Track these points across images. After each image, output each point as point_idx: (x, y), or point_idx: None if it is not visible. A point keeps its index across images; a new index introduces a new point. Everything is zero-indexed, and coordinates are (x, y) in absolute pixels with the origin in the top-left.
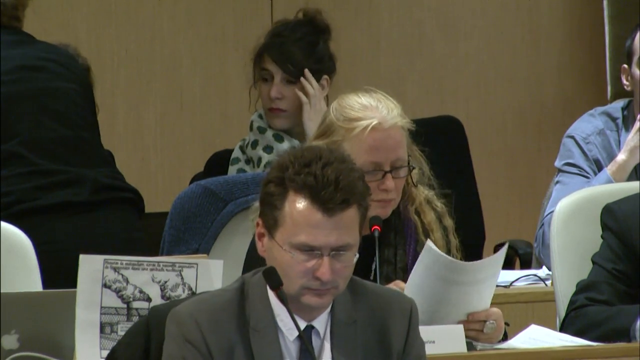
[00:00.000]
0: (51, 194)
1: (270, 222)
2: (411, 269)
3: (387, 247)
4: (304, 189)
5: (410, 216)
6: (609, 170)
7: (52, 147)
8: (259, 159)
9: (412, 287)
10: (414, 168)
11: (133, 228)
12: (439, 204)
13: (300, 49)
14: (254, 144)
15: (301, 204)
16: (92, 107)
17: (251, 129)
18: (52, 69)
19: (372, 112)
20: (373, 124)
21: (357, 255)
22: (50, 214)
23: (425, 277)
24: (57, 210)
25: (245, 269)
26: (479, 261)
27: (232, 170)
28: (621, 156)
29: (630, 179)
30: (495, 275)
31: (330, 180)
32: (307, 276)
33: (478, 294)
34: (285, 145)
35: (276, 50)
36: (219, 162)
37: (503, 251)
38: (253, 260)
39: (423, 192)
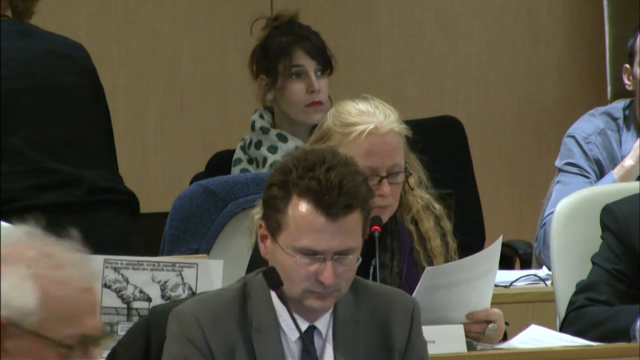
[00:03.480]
0: (46, 194)
1: (273, 225)
2: (406, 275)
3: (384, 251)
4: (307, 193)
5: (406, 225)
6: (616, 174)
7: (52, 146)
8: (264, 159)
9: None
10: (410, 174)
11: (128, 230)
12: (437, 207)
13: (322, 41)
14: (258, 144)
15: (304, 208)
16: (99, 105)
17: (253, 129)
18: (57, 63)
19: (369, 117)
20: (369, 128)
21: (360, 259)
22: (43, 214)
23: (427, 295)
24: (50, 211)
25: (250, 269)
26: (473, 255)
27: (235, 171)
28: (629, 161)
29: None
30: (493, 271)
31: (333, 184)
32: (309, 280)
33: (476, 291)
34: (289, 144)
35: (308, 42)
36: (220, 163)
37: (498, 244)
38: (258, 260)
39: (421, 198)
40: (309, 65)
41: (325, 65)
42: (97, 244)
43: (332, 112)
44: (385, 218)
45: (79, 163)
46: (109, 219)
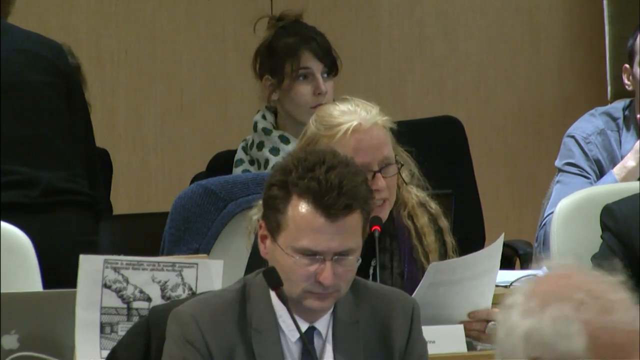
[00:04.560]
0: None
1: (273, 225)
2: (407, 275)
3: (383, 252)
4: (307, 193)
5: (404, 221)
6: (617, 175)
7: (10, 146)
8: (266, 161)
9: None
10: (402, 165)
11: (86, 231)
12: (433, 205)
13: (328, 42)
14: (260, 146)
15: (304, 208)
16: (72, 105)
17: (255, 129)
18: (24, 62)
19: (350, 115)
20: (353, 125)
21: (360, 260)
22: None
23: (430, 292)
24: (3, 211)
25: (248, 270)
26: (476, 252)
27: (237, 172)
28: (631, 162)
29: None
30: (495, 270)
31: (333, 185)
32: (309, 280)
33: (478, 290)
34: (291, 146)
35: (314, 44)
36: (221, 163)
37: (500, 242)
38: (256, 261)
39: (416, 195)
40: (316, 67)
41: (332, 67)
42: (50, 245)
43: (314, 118)
44: (385, 214)
45: (36, 163)
46: (65, 220)
